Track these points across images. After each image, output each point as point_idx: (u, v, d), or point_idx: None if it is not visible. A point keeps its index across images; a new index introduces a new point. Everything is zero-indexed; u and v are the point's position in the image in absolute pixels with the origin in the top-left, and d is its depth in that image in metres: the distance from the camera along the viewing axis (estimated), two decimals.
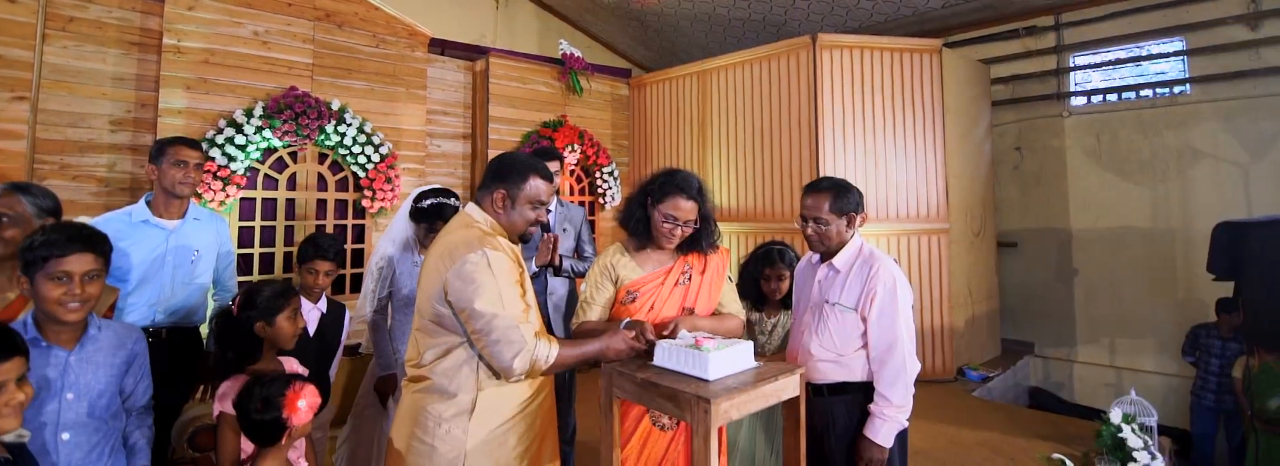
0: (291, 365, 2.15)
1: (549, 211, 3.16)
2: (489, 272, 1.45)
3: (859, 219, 2.27)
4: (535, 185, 1.63)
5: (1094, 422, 3.87)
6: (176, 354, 2.23)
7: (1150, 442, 3.14)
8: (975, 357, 5.06)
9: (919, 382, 4.79)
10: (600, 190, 5.76)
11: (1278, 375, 3.70)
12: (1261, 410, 3.79)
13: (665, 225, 1.81)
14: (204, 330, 2.44)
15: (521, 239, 1.68)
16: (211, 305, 2.45)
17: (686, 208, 1.81)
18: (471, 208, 1.65)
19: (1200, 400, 4.29)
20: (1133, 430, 3.13)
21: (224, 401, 1.86)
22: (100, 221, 2.14)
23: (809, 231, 1.90)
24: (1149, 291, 5.16)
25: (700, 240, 1.87)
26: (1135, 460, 3.05)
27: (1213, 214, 4.84)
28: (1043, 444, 3.55)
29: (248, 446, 1.89)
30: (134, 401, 1.77)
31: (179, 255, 2.21)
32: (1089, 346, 5.45)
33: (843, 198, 1.87)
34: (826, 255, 1.93)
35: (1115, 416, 3.20)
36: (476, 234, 1.52)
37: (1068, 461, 2.72)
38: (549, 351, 1.47)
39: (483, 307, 1.43)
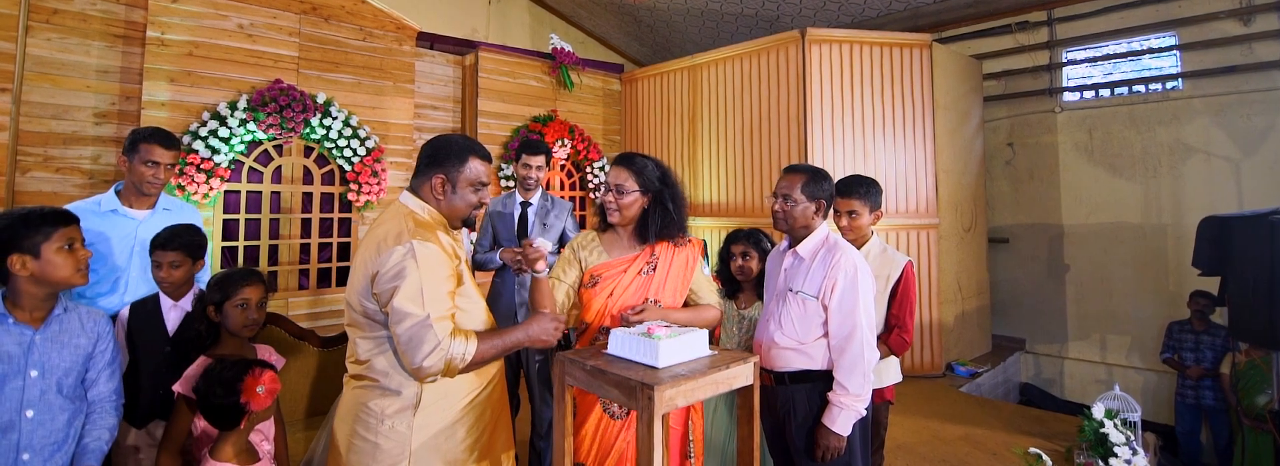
0: (264, 352, 2.16)
1: (529, 205, 3.18)
2: (414, 267, 1.38)
3: (863, 213, 2.26)
4: (475, 167, 1.57)
5: (1075, 417, 3.87)
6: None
7: (1132, 438, 3.13)
8: (965, 353, 5.05)
9: (907, 378, 4.80)
10: (591, 185, 5.75)
11: (1263, 371, 3.69)
12: (1249, 406, 3.78)
13: (602, 196, 1.88)
14: None
15: (465, 224, 1.67)
16: None
17: (614, 172, 1.87)
18: (406, 196, 1.58)
19: (1183, 399, 4.29)
20: (1115, 425, 3.12)
21: (184, 382, 1.87)
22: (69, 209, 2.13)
23: (776, 207, 1.90)
24: (1140, 287, 5.13)
25: (648, 221, 1.86)
26: (1116, 455, 3.04)
27: (1204, 210, 4.80)
28: (1026, 439, 3.53)
29: (213, 431, 1.90)
30: (98, 392, 1.76)
31: (147, 246, 2.20)
32: (1080, 342, 5.43)
33: (816, 183, 1.86)
34: (793, 242, 1.93)
35: (1098, 412, 3.18)
36: (408, 225, 1.45)
37: (1043, 455, 2.71)
38: (465, 349, 1.41)
39: (401, 304, 1.37)
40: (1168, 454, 4.38)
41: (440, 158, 1.56)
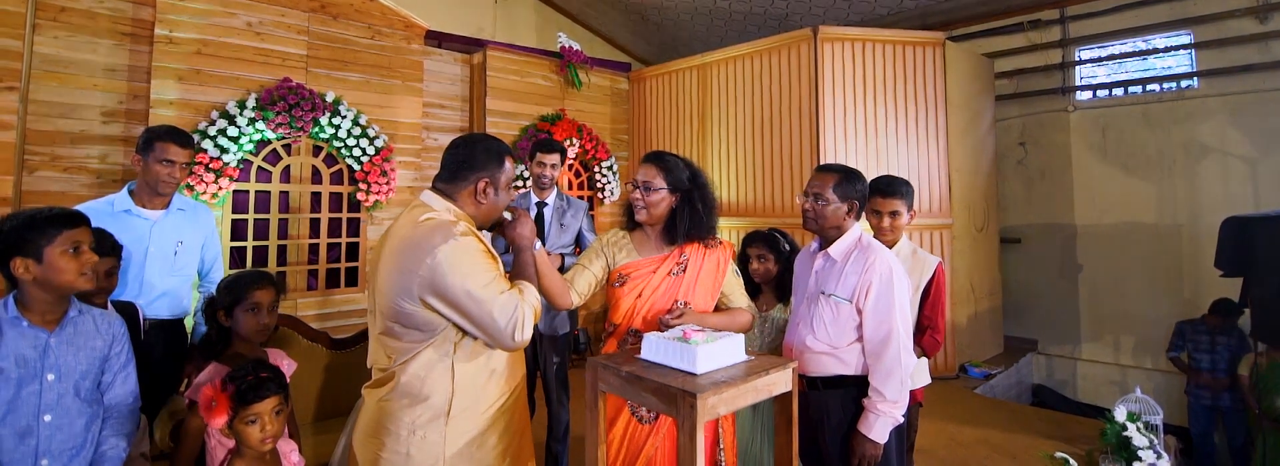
0: (275, 357, 2.11)
1: (545, 205, 3.13)
2: (470, 258, 1.38)
3: (903, 213, 2.22)
4: (509, 167, 1.58)
5: (1098, 421, 3.82)
6: (161, 347, 2.18)
7: (1156, 441, 3.08)
8: (978, 355, 5.00)
9: None
10: (599, 185, 5.71)
11: None
12: (1269, 408, 3.73)
13: (630, 194, 1.85)
14: (189, 323, 2.41)
15: (492, 227, 1.64)
16: (197, 298, 2.40)
17: (643, 170, 1.84)
18: (431, 197, 1.52)
19: (1197, 399, 4.24)
20: (1138, 429, 3.07)
21: (195, 390, 1.83)
22: (81, 211, 2.09)
23: (806, 205, 1.85)
24: (1154, 288, 5.09)
25: (674, 225, 1.82)
26: (1140, 459, 2.99)
27: (1220, 210, 4.76)
28: (1045, 442, 3.49)
29: (228, 442, 1.86)
30: (115, 397, 1.72)
31: (162, 247, 2.16)
32: (1093, 344, 5.39)
33: (850, 183, 1.82)
34: (824, 242, 1.88)
35: (1120, 415, 3.14)
36: (438, 223, 1.42)
37: (1071, 460, 2.66)
38: (533, 300, 1.49)
39: (480, 293, 1.37)
40: (1186, 457, 4.34)
41: (480, 161, 1.53)
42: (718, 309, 1.91)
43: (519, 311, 1.40)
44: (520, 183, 5.07)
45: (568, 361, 3.16)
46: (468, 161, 1.52)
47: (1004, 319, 5.53)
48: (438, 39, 5.17)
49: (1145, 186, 5.16)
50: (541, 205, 3.12)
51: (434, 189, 1.55)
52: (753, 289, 2.42)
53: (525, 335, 1.41)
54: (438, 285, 1.36)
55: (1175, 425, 4.74)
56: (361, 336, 2.85)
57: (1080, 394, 5.40)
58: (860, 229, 1.85)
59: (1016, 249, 5.77)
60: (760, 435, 2.08)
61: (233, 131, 3.58)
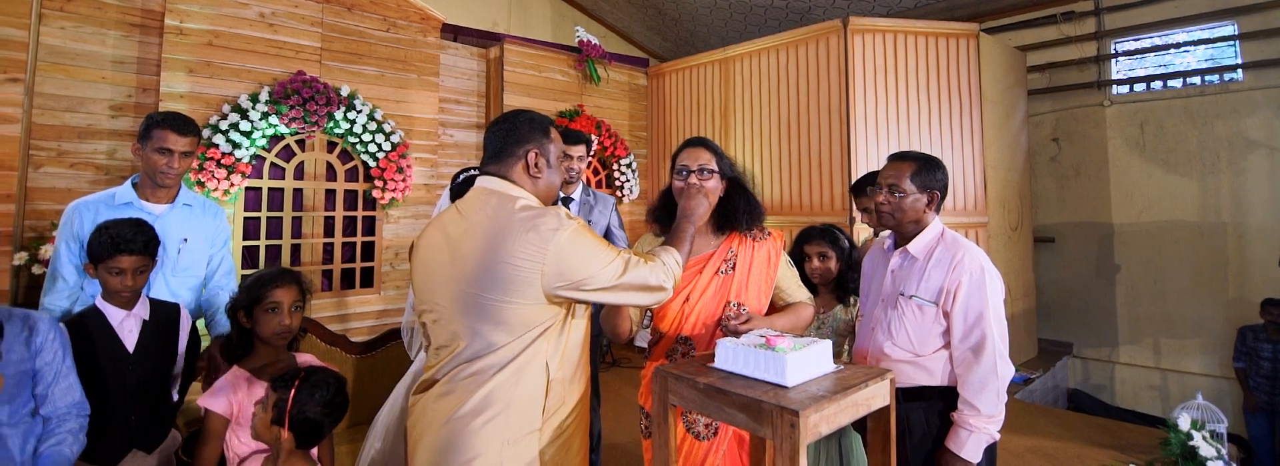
0: (306, 359, 1.96)
1: (570, 200, 2.97)
2: (591, 238, 1.29)
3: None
4: (557, 137, 1.48)
5: (1150, 428, 3.64)
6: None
7: (1223, 451, 2.90)
8: (1014, 358, 4.79)
9: None
10: (618, 183, 5.55)
11: None
12: None
13: (679, 184, 1.69)
14: (199, 325, 2.25)
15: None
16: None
17: (692, 154, 1.70)
18: (497, 183, 1.38)
19: (1255, 403, 4.04)
20: (1204, 438, 2.89)
21: (210, 398, 1.69)
22: (82, 204, 1.94)
23: (881, 199, 1.68)
24: (1197, 289, 4.89)
25: (736, 207, 1.68)
26: None
27: (1267, 207, 4.59)
28: (1099, 451, 3.32)
29: (245, 449, 1.72)
30: (52, 408, 1.51)
31: (171, 242, 2.00)
32: (1131, 347, 5.19)
33: (929, 172, 1.65)
34: (901, 239, 1.71)
35: (1183, 423, 2.96)
36: (541, 209, 1.31)
37: None
38: (675, 255, 1.42)
39: (618, 264, 1.29)
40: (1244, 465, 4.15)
41: (525, 131, 1.41)
42: (772, 305, 1.75)
43: (656, 261, 1.36)
44: None
45: (598, 365, 3.00)
46: (513, 134, 1.40)
47: (1037, 321, 5.35)
48: (453, 32, 5.03)
49: (1187, 183, 4.97)
50: (566, 201, 2.95)
51: (488, 173, 1.41)
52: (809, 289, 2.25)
53: (668, 282, 1.37)
54: (570, 272, 1.25)
55: (1230, 432, 4.55)
56: (385, 338, 2.69)
57: (1119, 399, 5.20)
58: (941, 223, 1.68)
59: (1049, 248, 5.58)
60: (822, 458, 1.90)
61: (245, 126, 3.44)
